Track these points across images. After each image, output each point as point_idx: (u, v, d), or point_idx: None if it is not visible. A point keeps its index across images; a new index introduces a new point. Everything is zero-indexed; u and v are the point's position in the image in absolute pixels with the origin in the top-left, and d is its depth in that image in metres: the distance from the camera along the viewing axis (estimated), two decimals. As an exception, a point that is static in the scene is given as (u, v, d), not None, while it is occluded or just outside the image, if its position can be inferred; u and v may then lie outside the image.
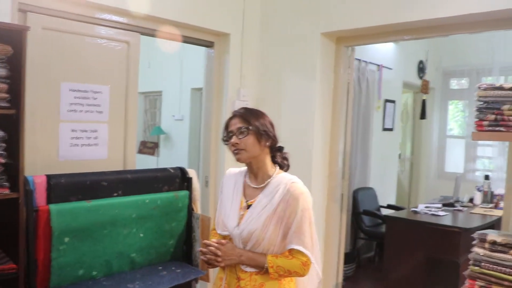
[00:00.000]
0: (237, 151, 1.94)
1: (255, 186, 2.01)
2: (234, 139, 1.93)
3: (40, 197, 2.32)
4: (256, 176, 2.02)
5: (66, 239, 2.32)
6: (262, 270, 1.90)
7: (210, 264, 1.93)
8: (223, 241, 1.95)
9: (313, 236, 1.95)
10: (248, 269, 1.93)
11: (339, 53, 3.62)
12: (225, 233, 2.00)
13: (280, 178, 1.97)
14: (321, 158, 3.63)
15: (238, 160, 1.96)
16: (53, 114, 2.75)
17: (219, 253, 1.90)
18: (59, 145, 2.78)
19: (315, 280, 2.10)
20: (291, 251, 1.92)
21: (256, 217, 1.91)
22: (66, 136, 2.80)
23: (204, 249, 1.93)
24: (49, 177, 2.37)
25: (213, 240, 1.95)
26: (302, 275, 1.95)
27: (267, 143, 1.97)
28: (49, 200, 2.34)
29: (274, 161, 2.04)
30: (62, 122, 2.78)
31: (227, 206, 2.04)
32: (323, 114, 3.61)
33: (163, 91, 7.40)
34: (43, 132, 2.71)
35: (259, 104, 3.79)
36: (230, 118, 1.99)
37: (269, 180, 1.98)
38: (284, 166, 2.06)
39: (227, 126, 1.99)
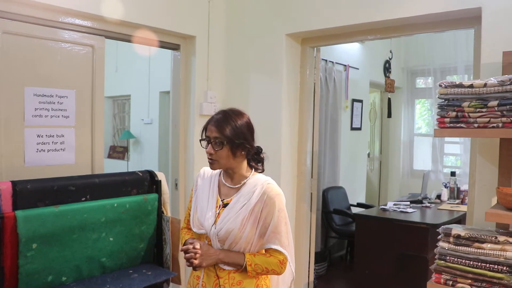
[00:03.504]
0: (211, 161, 1.98)
1: (231, 186, 2.05)
2: (209, 149, 1.96)
3: (5, 203, 2.30)
4: (231, 177, 2.06)
5: (34, 246, 2.31)
6: (240, 268, 1.95)
7: (194, 265, 1.92)
8: (198, 241, 1.98)
9: (288, 235, 2.02)
10: (227, 268, 1.97)
11: (305, 54, 3.69)
12: (201, 231, 2.03)
13: (256, 179, 2.02)
14: (290, 158, 3.70)
15: (212, 169, 2.01)
16: (17, 119, 2.74)
17: (200, 252, 1.92)
18: (24, 151, 2.77)
19: (289, 277, 2.16)
20: (269, 250, 1.98)
21: (233, 217, 1.95)
22: (32, 142, 2.80)
23: (188, 255, 1.93)
24: (14, 183, 2.35)
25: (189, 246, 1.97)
26: (279, 273, 2.01)
27: (243, 153, 2.00)
28: (15, 207, 2.33)
29: (250, 165, 2.08)
30: (27, 127, 2.77)
31: (203, 204, 2.07)
32: (290, 115, 3.67)
33: (132, 95, 7.37)
34: (8, 137, 2.69)
35: (226, 106, 3.77)
36: (209, 122, 2.01)
37: (245, 180, 2.03)
38: (257, 169, 2.10)
39: (205, 128, 2.01)
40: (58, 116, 2.92)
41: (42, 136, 2.84)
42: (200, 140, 2.03)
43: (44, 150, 2.86)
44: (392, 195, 7.45)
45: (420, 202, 5.11)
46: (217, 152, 1.94)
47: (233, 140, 1.94)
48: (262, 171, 2.12)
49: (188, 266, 1.94)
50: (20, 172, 2.72)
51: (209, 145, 1.96)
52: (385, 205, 4.95)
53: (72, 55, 2.98)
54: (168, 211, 3.02)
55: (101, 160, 3.17)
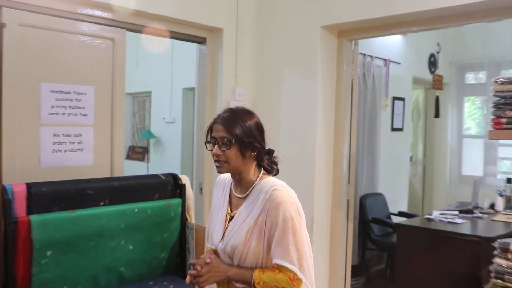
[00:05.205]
0: (218, 164, 1.95)
1: (239, 196, 2.04)
2: (216, 150, 1.93)
3: (19, 207, 2.35)
4: (239, 184, 2.04)
5: (49, 253, 2.35)
6: (251, 286, 1.92)
7: (198, 285, 1.94)
8: (207, 259, 1.97)
9: (300, 248, 1.91)
10: (239, 285, 1.95)
11: (342, 48, 3.66)
12: (213, 247, 2.05)
13: (262, 185, 1.98)
14: (325, 161, 3.67)
15: (219, 172, 1.98)
16: (33, 117, 2.79)
17: (203, 271, 1.92)
18: (40, 151, 2.81)
19: None
20: (277, 265, 1.91)
21: (237, 231, 1.94)
22: (48, 141, 2.84)
23: (192, 271, 1.94)
24: (29, 186, 2.40)
25: (197, 261, 1.98)
26: None
27: (253, 154, 1.98)
28: (30, 211, 2.37)
29: (260, 165, 2.04)
30: (43, 126, 2.82)
31: (214, 218, 2.09)
32: (326, 114, 3.65)
33: (153, 92, 7.44)
34: (23, 137, 2.75)
35: (256, 104, 3.83)
36: (215, 122, 1.99)
37: (251, 188, 1.99)
38: (272, 170, 2.06)
39: (210, 129, 2.00)
40: (76, 114, 2.96)
41: (58, 135, 2.89)
42: (205, 143, 2.01)
43: (60, 150, 2.90)
44: (438, 203, 7.31)
45: (471, 211, 4.99)
46: (225, 152, 1.91)
47: (242, 139, 1.92)
48: (277, 172, 2.08)
49: (190, 283, 1.94)
50: (35, 173, 2.76)
51: (216, 145, 1.94)
52: (430, 214, 4.85)
53: (91, 48, 3.02)
54: (192, 218, 3.03)
55: (121, 162, 3.20)
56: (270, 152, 2.08)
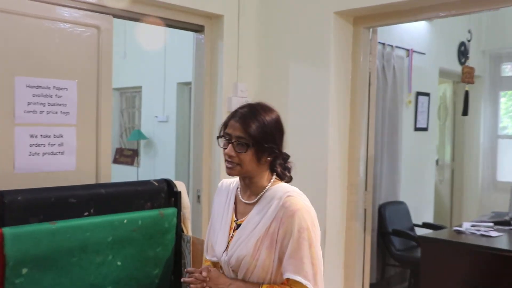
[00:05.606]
0: (230, 165, 1.97)
1: (247, 202, 2.05)
2: (229, 150, 1.96)
3: (-9, 218, 2.35)
4: (248, 188, 2.06)
5: (24, 270, 2.33)
6: None
7: None
8: (209, 267, 2.00)
9: (315, 263, 1.92)
10: None
11: (358, 36, 3.66)
12: (215, 259, 2.06)
13: (274, 191, 2.00)
14: (338, 166, 3.67)
15: (229, 174, 2.00)
16: (6, 116, 2.78)
17: (207, 279, 1.95)
18: (14, 154, 2.81)
19: None
20: (289, 280, 1.93)
21: (245, 240, 1.95)
22: (24, 143, 2.84)
23: (188, 279, 1.97)
24: (2, 194, 2.38)
25: (194, 269, 2.01)
26: None
27: (268, 159, 2.00)
28: (3, 222, 2.35)
29: (273, 170, 2.07)
30: (18, 125, 2.82)
31: (217, 226, 2.10)
32: (340, 112, 3.65)
33: (143, 87, 7.47)
34: (-5, 138, 2.75)
35: (260, 100, 3.81)
36: (232, 117, 2.01)
37: (262, 193, 2.02)
38: (284, 177, 2.09)
39: (226, 124, 2.02)
40: (56, 112, 2.96)
41: (36, 136, 2.89)
42: (218, 138, 2.04)
43: (38, 153, 2.91)
44: (468, 213, 7.31)
45: (508, 223, 4.98)
46: (239, 155, 1.94)
47: (261, 142, 1.94)
48: (290, 179, 2.10)
49: None
50: (8, 180, 2.76)
51: (230, 145, 1.96)
52: (460, 226, 4.85)
53: (73, 37, 3.02)
54: (189, 230, 3.03)
55: (108, 166, 3.21)
56: (285, 158, 2.09)
